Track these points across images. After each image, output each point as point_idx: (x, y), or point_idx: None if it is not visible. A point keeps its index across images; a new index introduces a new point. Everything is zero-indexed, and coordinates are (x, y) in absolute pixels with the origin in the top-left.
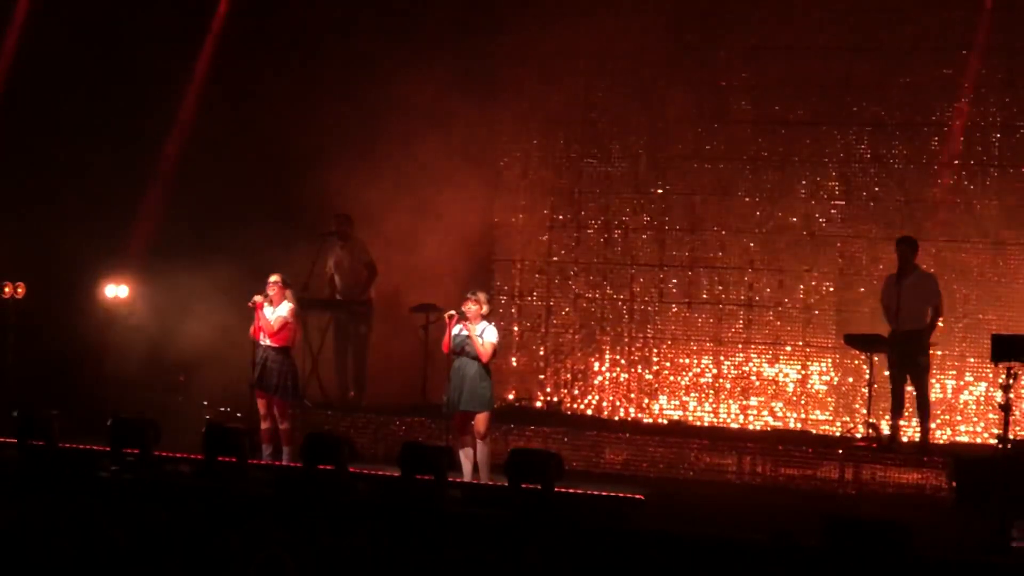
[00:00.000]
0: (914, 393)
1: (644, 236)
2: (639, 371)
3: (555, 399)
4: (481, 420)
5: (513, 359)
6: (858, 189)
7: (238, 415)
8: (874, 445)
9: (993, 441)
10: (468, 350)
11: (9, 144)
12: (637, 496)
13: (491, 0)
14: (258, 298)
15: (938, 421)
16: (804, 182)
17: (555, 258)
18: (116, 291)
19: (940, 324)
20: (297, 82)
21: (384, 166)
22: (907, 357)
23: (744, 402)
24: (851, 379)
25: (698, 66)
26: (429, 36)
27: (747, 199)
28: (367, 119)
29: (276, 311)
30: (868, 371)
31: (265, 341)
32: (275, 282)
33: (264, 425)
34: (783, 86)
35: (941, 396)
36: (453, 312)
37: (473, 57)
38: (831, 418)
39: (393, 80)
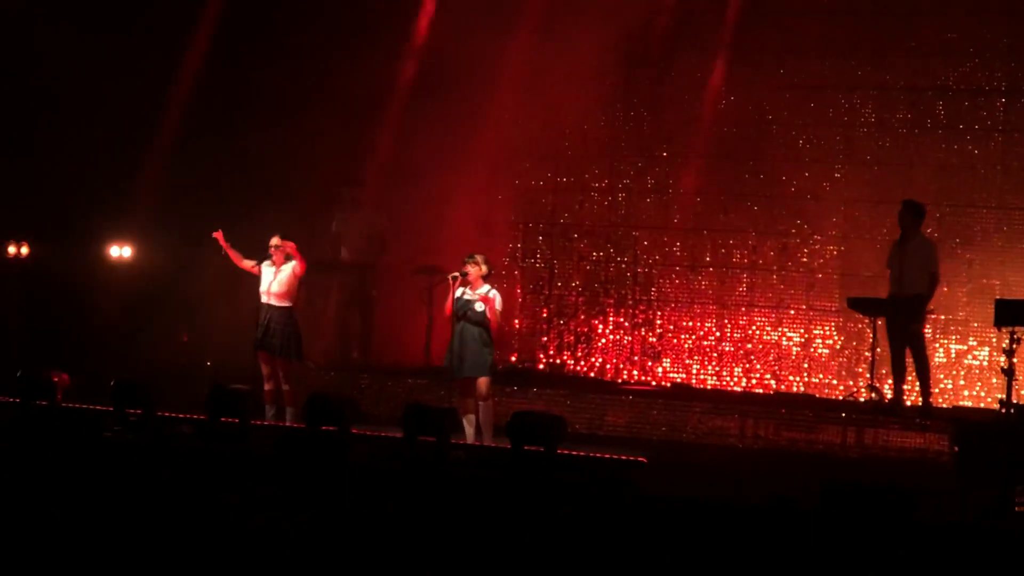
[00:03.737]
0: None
1: (648, 199)
2: (642, 334)
3: (558, 361)
4: (483, 384)
5: (516, 321)
6: (861, 152)
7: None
8: (878, 408)
9: (996, 406)
10: (470, 315)
11: (13, 106)
12: (639, 458)
13: None
14: (457, 275)
15: (941, 386)
16: (808, 146)
17: (560, 220)
18: (120, 252)
19: (944, 290)
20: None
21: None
22: (901, 322)
23: (747, 365)
24: (854, 343)
25: (705, 30)
26: None
27: (751, 162)
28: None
29: (281, 272)
30: (871, 335)
31: (269, 301)
32: (276, 246)
33: (267, 386)
34: (787, 51)
35: (944, 360)
36: (456, 274)
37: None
38: (834, 382)
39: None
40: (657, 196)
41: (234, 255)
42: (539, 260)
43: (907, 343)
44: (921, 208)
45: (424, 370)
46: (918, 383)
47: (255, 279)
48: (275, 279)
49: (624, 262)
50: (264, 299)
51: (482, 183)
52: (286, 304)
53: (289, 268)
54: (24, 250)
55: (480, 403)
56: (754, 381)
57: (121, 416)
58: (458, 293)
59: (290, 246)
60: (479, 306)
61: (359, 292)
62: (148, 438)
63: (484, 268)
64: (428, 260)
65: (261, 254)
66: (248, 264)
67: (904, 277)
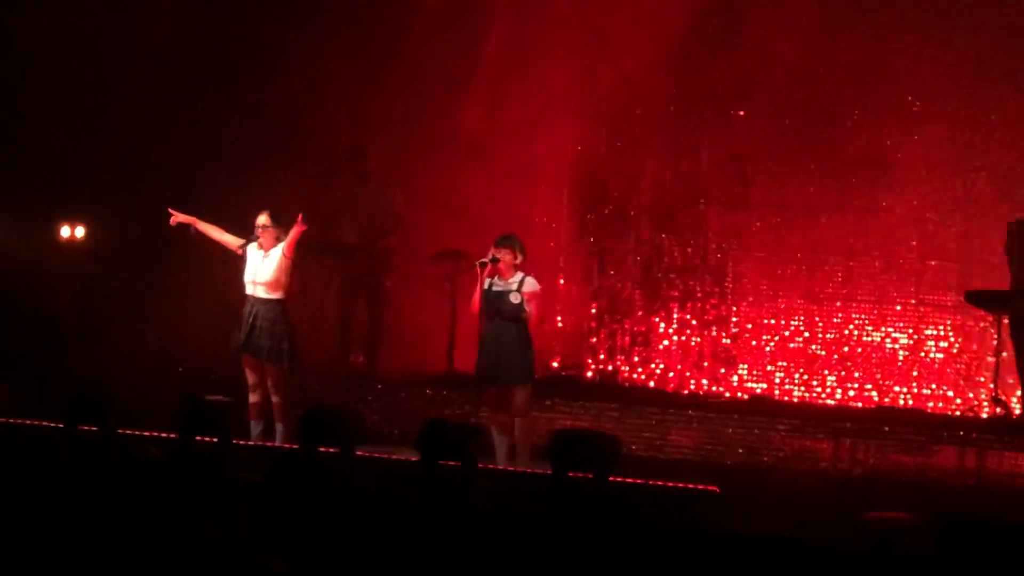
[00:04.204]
0: None
1: (721, 169)
2: (713, 334)
3: (609, 368)
4: (520, 395)
5: (558, 319)
6: (986, 113)
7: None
8: (1003, 425)
9: None
10: (505, 309)
11: None
12: (710, 488)
13: None
14: (486, 261)
15: None
16: (920, 103)
17: (613, 195)
18: (72, 231)
19: None
20: None
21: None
22: None
23: (842, 373)
24: (974, 345)
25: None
26: None
27: (848, 121)
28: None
29: (268, 256)
30: (995, 335)
31: (255, 292)
32: (264, 225)
33: (253, 398)
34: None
35: None
36: (486, 260)
37: None
38: (949, 393)
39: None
40: (733, 165)
41: (205, 228)
42: (587, 243)
43: None
44: None
45: (445, 378)
46: None
47: (239, 264)
48: (262, 265)
49: (691, 246)
50: (249, 290)
51: (517, 151)
52: (276, 296)
53: (279, 251)
54: None
55: (516, 420)
56: (851, 392)
57: (74, 434)
58: (486, 284)
59: (280, 232)
60: (515, 297)
61: (366, 282)
62: (106, 460)
63: (520, 257)
64: (450, 244)
65: (248, 234)
66: (229, 240)
67: None
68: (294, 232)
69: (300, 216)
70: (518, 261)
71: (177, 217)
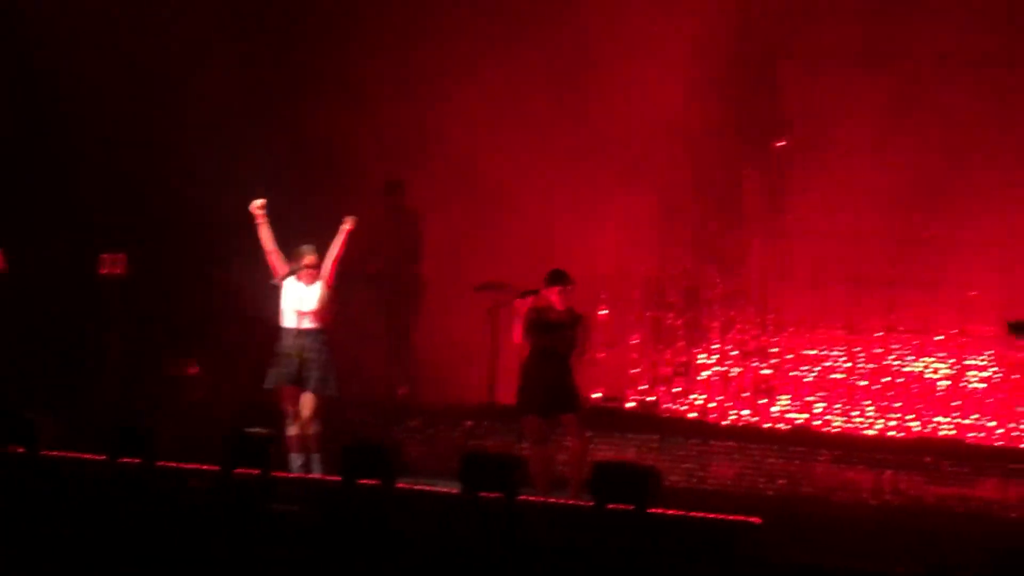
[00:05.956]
0: None
1: (762, 197)
2: (754, 365)
3: (651, 398)
4: (580, 423)
5: (599, 349)
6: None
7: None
8: None
9: None
10: (563, 340)
11: None
12: (751, 519)
13: None
14: (527, 293)
15: None
16: (960, 130)
17: (654, 224)
18: (112, 264)
19: None
20: None
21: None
22: None
23: (883, 403)
24: (1016, 375)
25: None
26: None
27: (888, 153)
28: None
29: (311, 288)
30: None
31: (300, 324)
32: (312, 264)
33: (292, 430)
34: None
35: None
36: (528, 292)
37: None
38: (991, 424)
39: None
40: (774, 194)
41: (265, 233)
42: (628, 274)
43: None
44: None
45: (486, 410)
46: None
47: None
48: (306, 296)
49: (733, 276)
50: (291, 322)
51: (557, 185)
52: (320, 326)
53: (321, 282)
54: None
55: (579, 443)
56: (893, 423)
57: (115, 466)
58: (536, 315)
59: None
60: (571, 331)
61: (403, 313)
62: (148, 492)
63: (571, 287)
64: (488, 275)
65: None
66: (276, 262)
67: None
68: (341, 236)
69: (347, 219)
70: (568, 294)
71: (256, 207)
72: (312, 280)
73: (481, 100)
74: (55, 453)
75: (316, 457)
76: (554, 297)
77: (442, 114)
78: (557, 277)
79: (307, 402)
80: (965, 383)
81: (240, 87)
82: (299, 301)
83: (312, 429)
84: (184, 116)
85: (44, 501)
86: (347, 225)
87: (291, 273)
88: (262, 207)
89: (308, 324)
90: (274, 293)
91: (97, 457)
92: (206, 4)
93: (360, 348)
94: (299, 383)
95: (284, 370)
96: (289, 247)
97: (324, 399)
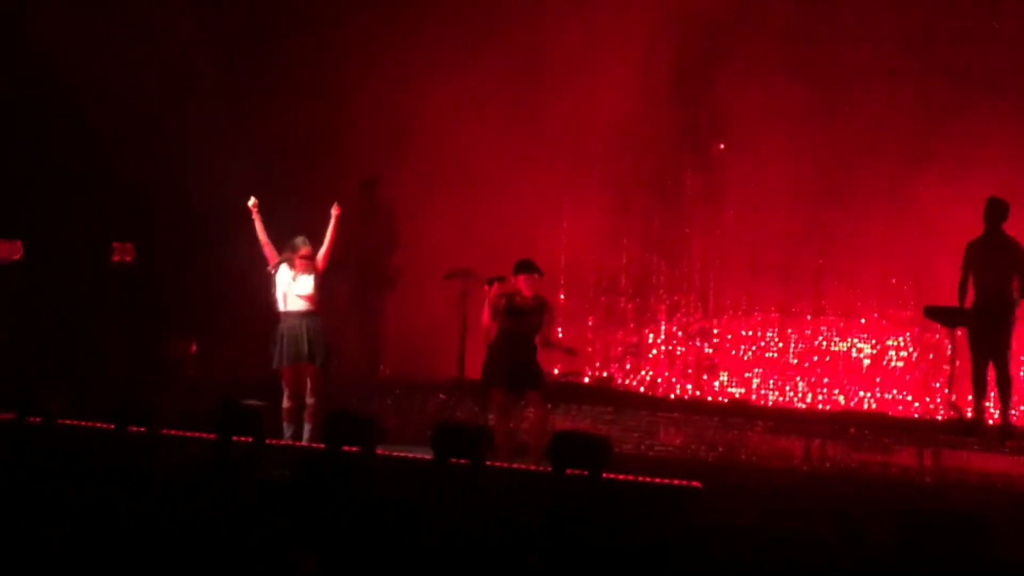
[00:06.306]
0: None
1: (702, 196)
2: (697, 344)
3: (604, 374)
4: (539, 396)
5: (559, 330)
6: (942, 144)
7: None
8: (957, 428)
9: None
10: (531, 324)
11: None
12: (693, 484)
13: None
14: (493, 279)
15: None
16: (883, 136)
17: (606, 220)
18: (120, 253)
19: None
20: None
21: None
22: (985, 333)
23: (812, 380)
24: (931, 355)
25: (765, 9)
26: None
27: (815, 155)
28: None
29: (306, 276)
30: (950, 347)
31: (296, 308)
32: (307, 256)
33: (288, 403)
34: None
35: None
36: (494, 278)
37: None
38: (909, 398)
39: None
40: (713, 192)
41: (260, 225)
42: (583, 263)
43: (990, 356)
44: (1005, 205)
45: (456, 384)
46: (999, 400)
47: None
48: (301, 282)
49: (677, 265)
50: (287, 306)
51: (518, 180)
52: (315, 308)
53: (313, 268)
54: (16, 254)
55: (538, 413)
56: (821, 397)
57: (123, 434)
58: (505, 301)
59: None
60: (538, 316)
61: (382, 298)
62: (151, 459)
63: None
64: (457, 263)
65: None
66: (269, 253)
67: (984, 281)
68: (332, 223)
69: (335, 205)
70: (535, 282)
71: (250, 204)
72: (307, 268)
73: (449, 101)
74: (68, 422)
75: (307, 427)
76: (522, 284)
77: (414, 115)
78: (526, 266)
79: (314, 376)
80: (887, 362)
81: (240, 87)
82: (296, 286)
83: (312, 400)
84: (184, 116)
85: (59, 465)
86: (335, 211)
87: (282, 262)
88: (255, 205)
89: (305, 307)
90: (267, 280)
91: (106, 426)
92: (197, 9)
93: (344, 330)
94: (306, 360)
95: (289, 350)
96: (278, 239)
97: (322, 372)
